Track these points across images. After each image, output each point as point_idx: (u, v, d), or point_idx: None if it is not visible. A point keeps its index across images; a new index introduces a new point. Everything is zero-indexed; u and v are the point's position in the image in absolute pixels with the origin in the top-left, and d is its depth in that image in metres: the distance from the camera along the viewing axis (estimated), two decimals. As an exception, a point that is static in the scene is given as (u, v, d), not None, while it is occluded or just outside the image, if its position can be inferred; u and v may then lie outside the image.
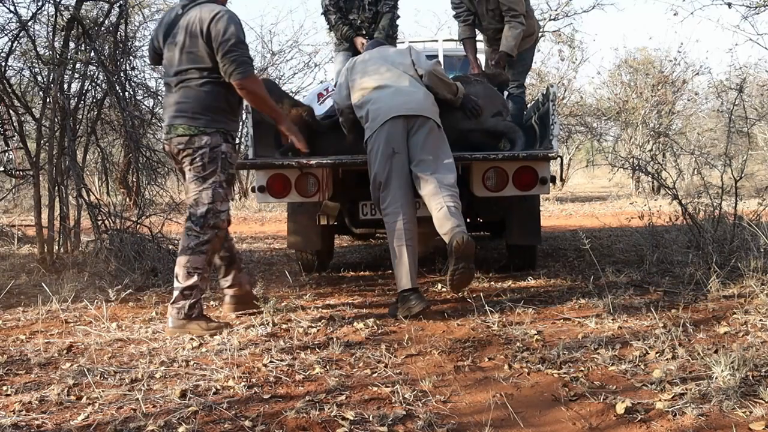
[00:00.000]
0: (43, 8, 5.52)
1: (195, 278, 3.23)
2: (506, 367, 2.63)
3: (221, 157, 3.24)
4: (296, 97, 5.90)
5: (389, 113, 3.55)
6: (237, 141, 3.45)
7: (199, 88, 3.21)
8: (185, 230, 3.27)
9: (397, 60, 3.84)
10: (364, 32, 5.00)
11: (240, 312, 3.57)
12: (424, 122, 3.56)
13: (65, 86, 5.31)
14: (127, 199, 7.78)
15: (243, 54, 3.17)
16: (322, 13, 5.11)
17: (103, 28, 5.66)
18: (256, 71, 3.65)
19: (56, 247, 5.26)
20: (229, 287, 3.60)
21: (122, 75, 5.76)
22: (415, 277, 3.43)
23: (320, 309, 3.71)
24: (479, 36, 5.19)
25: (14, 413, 2.23)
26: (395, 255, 3.45)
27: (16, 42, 5.48)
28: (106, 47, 5.58)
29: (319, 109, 5.07)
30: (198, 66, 3.20)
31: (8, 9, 5.42)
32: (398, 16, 5.08)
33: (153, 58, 3.47)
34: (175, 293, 3.24)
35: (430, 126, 3.57)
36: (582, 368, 2.56)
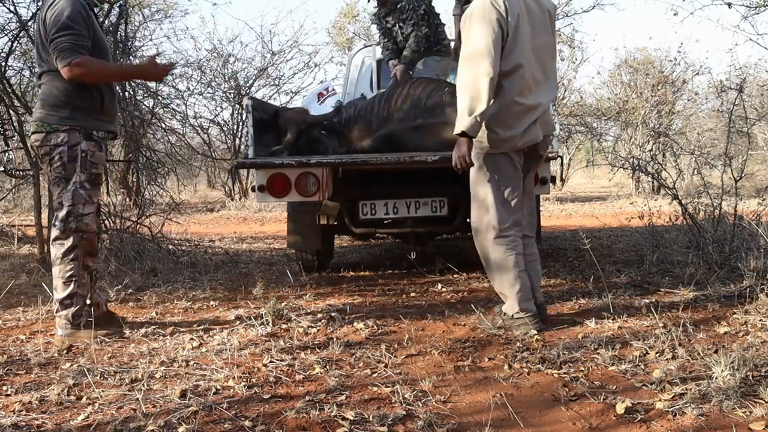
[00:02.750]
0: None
1: (72, 287, 3.12)
2: (506, 367, 2.63)
3: (81, 156, 3.06)
4: (296, 97, 5.91)
5: (542, 131, 3.17)
6: (103, 138, 3.20)
7: (51, 84, 3.05)
8: (51, 240, 3.16)
9: (547, 40, 3.18)
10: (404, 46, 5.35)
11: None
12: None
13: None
14: (127, 199, 7.78)
15: (66, 40, 2.95)
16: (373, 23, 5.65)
17: (102, 28, 5.65)
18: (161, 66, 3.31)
19: (56, 247, 5.25)
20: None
21: (122, 75, 5.74)
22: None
23: (320, 309, 3.71)
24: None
25: (14, 413, 2.23)
26: (515, 280, 3.13)
27: (16, 42, 5.49)
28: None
29: (319, 109, 5.07)
30: (47, 61, 3.05)
31: (8, 9, 5.43)
32: (424, 31, 5.24)
33: None
34: (56, 305, 3.16)
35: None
36: (582, 368, 2.56)
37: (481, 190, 3.15)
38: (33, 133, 3.11)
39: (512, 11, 2.96)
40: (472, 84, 2.92)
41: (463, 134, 2.99)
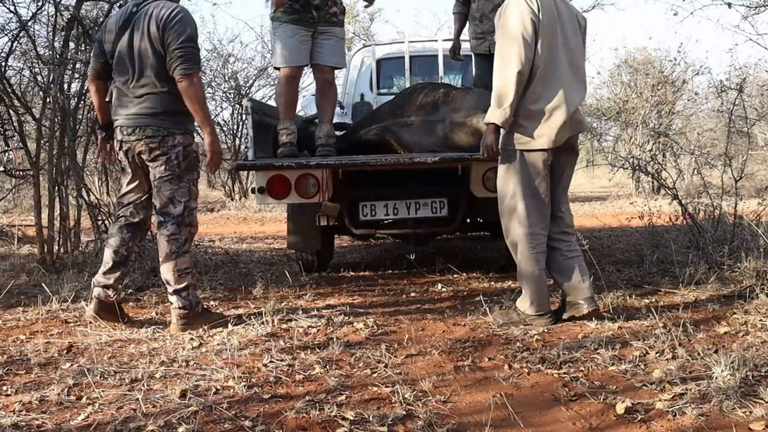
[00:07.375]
0: (43, 8, 5.52)
1: (188, 278, 3.30)
2: (506, 367, 2.63)
3: (193, 156, 3.31)
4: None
5: (570, 130, 3.13)
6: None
7: (166, 92, 3.19)
8: (162, 236, 3.26)
9: (574, 37, 3.20)
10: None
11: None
12: (577, 139, 3.32)
13: (65, 86, 5.31)
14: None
15: (191, 51, 3.15)
16: None
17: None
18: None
19: (56, 247, 5.26)
20: (104, 287, 3.35)
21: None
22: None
23: (320, 309, 3.71)
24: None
25: (14, 413, 2.23)
26: (534, 278, 3.19)
27: (16, 42, 5.48)
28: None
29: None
30: (158, 69, 3.16)
31: (8, 9, 5.42)
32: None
33: (98, 56, 3.33)
34: (173, 297, 3.28)
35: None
36: (582, 368, 2.56)
37: (509, 187, 3.18)
38: (147, 137, 3.20)
39: (545, 10, 3.04)
40: (502, 77, 3.03)
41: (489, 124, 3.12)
